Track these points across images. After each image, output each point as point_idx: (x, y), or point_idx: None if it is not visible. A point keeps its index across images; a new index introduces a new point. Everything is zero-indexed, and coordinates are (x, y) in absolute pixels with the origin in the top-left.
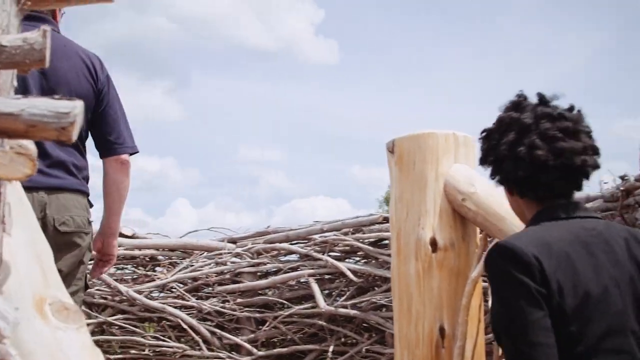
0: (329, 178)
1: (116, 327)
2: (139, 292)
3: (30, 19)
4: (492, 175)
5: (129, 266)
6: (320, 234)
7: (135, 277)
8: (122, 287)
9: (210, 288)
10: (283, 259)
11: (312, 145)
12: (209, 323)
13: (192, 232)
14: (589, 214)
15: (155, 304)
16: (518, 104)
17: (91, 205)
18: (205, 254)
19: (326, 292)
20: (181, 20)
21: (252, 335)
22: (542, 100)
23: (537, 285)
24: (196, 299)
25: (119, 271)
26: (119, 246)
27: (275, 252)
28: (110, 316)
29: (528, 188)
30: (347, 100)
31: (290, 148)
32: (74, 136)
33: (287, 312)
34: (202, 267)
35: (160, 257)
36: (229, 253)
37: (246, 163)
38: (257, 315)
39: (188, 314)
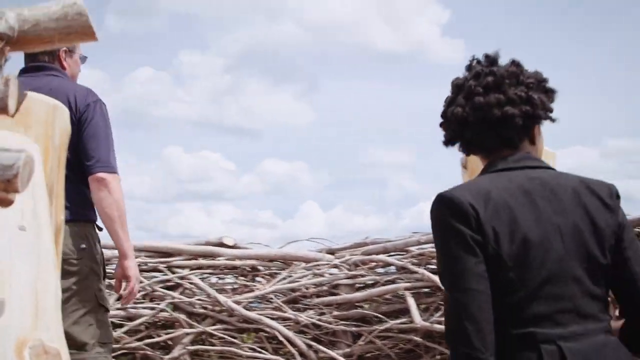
0: (457, 181)
1: (215, 338)
2: (238, 303)
3: (35, 69)
4: (443, 138)
5: (229, 276)
6: (417, 245)
7: (235, 287)
8: (221, 298)
9: (307, 300)
10: (380, 271)
11: (440, 147)
12: (305, 336)
13: (292, 243)
14: (538, 164)
15: (252, 315)
16: (468, 67)
17: (99, 229)
18: (303, 264)
19: (423, 306)
20: (310, 26)
21: (348, 350)
22: (487, 59)
23: (472, 232)
24: (293, 311)
25: (220, 281)
26: (220, 256)
27: (373, 264)
28: (209, 326)
29: (462, 146)
30: None
31: (418, 150)
32: (21, 187)
33: (383, 327)
34: (300, 278)
35: (260, 268)
36: (326, 264)
37: (374, 165)
38: (354, 329)
39: (285, 326)
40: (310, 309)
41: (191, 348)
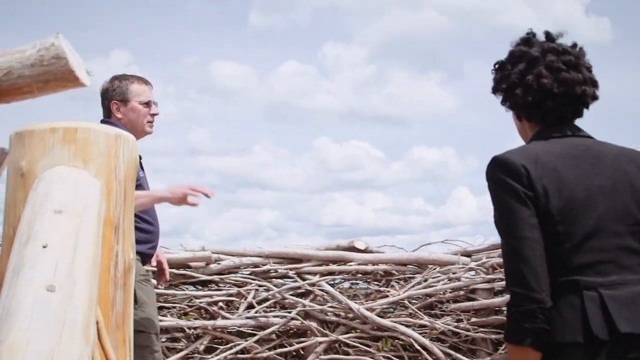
0: None
1: (349, 346)
2: (371, 309)
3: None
4: (503, 102)
5: (360, 282)
6: None
7: (368, 292)
8: (353, 305)
9: (443, 305)
10: None
11: (594, 125)
12: (443, 344)
13: (426, 245)
14: (584, 134)
15: (386, 322)
16: (527, 40)
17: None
18: (438, 268)
19: None
20: (451, 12)
21: (488, 359)
22: (549, 37)
23: (524, 189)
24: (429, 317)
25: (353, 286)
26: (351, 261)
27: None
28: (342, 334)
29: (535, 112)
30: (623, 80)
31: None
32: None
33: None
34: (435, 282)
35: (393, 272)
36: (462, 268)
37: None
38: (493, 336)
39: (421, 334)
40: (447, 315)
41: (324, 358)
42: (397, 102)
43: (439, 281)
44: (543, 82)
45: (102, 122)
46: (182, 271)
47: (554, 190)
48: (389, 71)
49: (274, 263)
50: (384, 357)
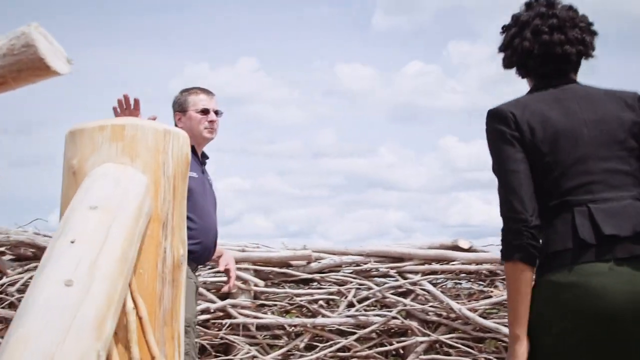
0: None
1: (450, 347)
2: (474, 310)
3: None
4: (503, 61)
5: (463, 282)
6: None
7: (471, 292)
8: (455, 305)
9: None
10: None
11: None
12: None
13: None
14: (578, 84)
15: (488, 323)
16: (529, 4)
17: None
18: None
19: None
20: (584, 6)
21: None
22: (548, 2)
23: (510, 130)
24: None
25: (456, 286)
26: (454, 260)
27: None
28: (443, 334)
29: (522, 71)
30: None
31: None
32: None
33: None
34: None
35: (498, 272)
36: None
37: None
38: None
39: None
40: None
41: (425, 357)
42: None
43: None
44: (524, 44)
45: None
46: (283, 270)
47: (539, 127)
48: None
49: (374, 262)
50: (485, 358)
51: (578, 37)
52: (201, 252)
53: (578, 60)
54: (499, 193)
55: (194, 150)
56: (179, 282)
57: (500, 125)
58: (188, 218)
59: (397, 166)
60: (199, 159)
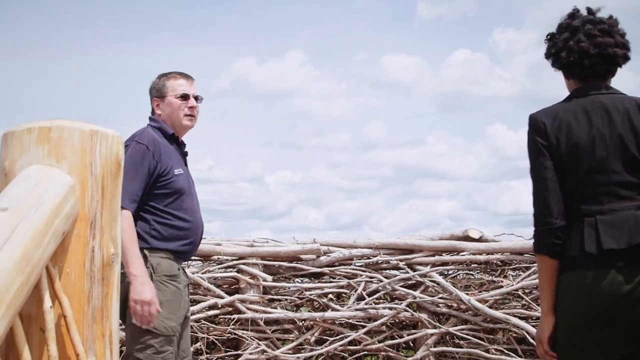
0: None
1: (461, 338)
2: (484, 301)
3: None
4: (553, 64)
5: (474, 272)
6: None
7: (482, 283)
8: (464, 296)
9: None
10: None
11: None
12: None
13: None
14: (607, 91)
15: (499, 314)
16: (573, 15)
17: (179, 255)
18: None
19: None
20: None
21: None
22: (590, 11)
23: (542, 139)
24: None
25: (467, 277)
26: (463, 251)
27: None
28: (453, 326)
29: (576, 69)
30: None
31: None
32: None
33: None
34: None
35: (511, 262)
36: None
37: None
38: None
39: (535, 326)
40: None
41: (435, 350)
42: None
43: None
44: (582, 45)
45: (150, 119)
46: (293, 264)
47: (563, 138)
48: None
49: (384, 254)
50: (496, 349)
51: (623, 42)
52: (191, 251)
53: (622, 63)
54: (532, 195)
55: (175, 139)
56: (110, 280)
57: (535, 135)
58: (179, 218)
59: (447, 156)
60: (181, 149)
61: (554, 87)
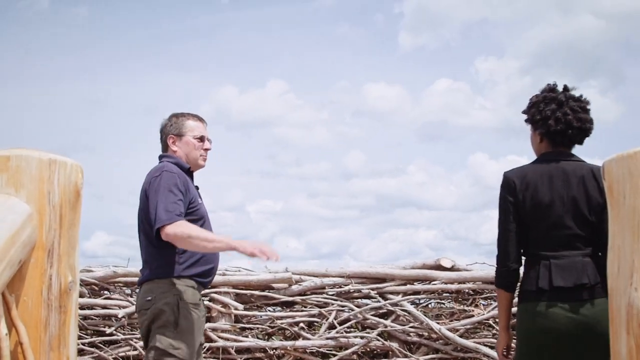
0: None
1: None
2: (454, 330)
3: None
4: (534, 128)
5: (446, 301)
6: None
7: (453, 312)
8: (435, 325)
9: None
10: None
11: None
12: None
13: None
14: (570, 158)
15: (468, 343)
16: (552, 89)
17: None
18: None
19: None
20: (608, 16)
21: None
22: (566, 88)
23: (510, 197)
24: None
25: (437, 306)
26: (435, 280)
27: None
28: (424, 355)
29: (559, 137)
30: None
31: None
32: None
33: None
34: None
35: (483, 291)
36: None
37: None
38: None
39: None
40: None
41: None
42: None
43: None
44: (568, 118)
45: (160, 156)
46: (264, 292)
47: (528, 198)
48: (545, 81)
49: (356, 283)
50: None
51: (591, 119)
52: (212, 276)
53: (589, 136)
54: (497, 242)
55: (190, 174)
56: (68, 308)
57: (506, 193)
58: None
59: (428, 185)
60: (193, 183)
61: None
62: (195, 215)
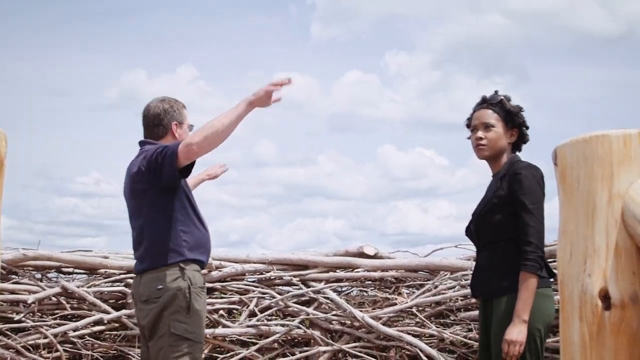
0: None
1: (353, 356)
2: (378, 318)
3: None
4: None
5: (369, 289)
6: None
7: (376, 300)
8: (358, 313)
9: (454, 314)
10: None
11: None
12: (451, 355)
13: (438, 250)
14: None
15: (392, 331)
16: (495, 95)
17: (198, 264)
18: (449, 274)
19: None
20: (515, 15)
21: None
22: (506, 96)
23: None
24: (438, 326)
25: (360, 294)
26: (358, 267)
27: None
28: (346, 343)
29: (523, 141)
30: None
31: None
32: None
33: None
34: (445, 290)
35: (406, 279)
36: None
37: None
38: None
39: (428, 343)
40: (457, 324)
41: None
42: (462, 108)
43: (450, 288)
44: (527, 124)
45: (144, 143)
46: None
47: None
48: (453, 77)
49: (278, 270)
50: None
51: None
52: (207, 259)
53: None
54: (536, 230)
55: None
56: None
57: (542, 184)
58: (201, 225)
59: (337, 175)
60: None
61: (442, 111)
62: (189, 198)
